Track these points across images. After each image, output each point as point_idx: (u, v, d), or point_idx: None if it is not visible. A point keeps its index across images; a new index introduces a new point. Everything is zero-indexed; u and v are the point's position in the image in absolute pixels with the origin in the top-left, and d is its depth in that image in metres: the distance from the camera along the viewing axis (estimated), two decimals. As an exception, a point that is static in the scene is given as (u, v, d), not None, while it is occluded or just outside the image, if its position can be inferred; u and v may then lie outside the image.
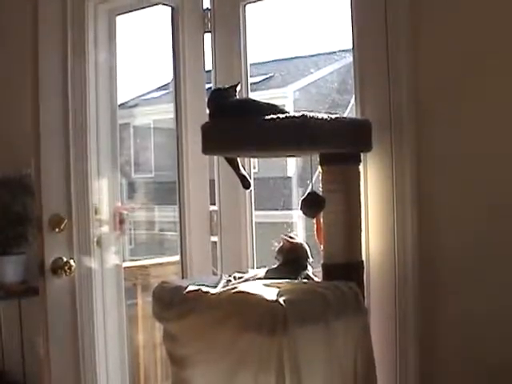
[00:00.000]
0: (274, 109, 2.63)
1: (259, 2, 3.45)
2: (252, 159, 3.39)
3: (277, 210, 4.58)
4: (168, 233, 5.48)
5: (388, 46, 2.85)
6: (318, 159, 2.78)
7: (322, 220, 2.79)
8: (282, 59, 5.58)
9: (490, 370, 2.62)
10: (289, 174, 4.89)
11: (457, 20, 2.71)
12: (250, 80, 3.49)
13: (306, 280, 2.77)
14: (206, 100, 2.84)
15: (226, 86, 2.80)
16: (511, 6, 2.60)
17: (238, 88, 2.80)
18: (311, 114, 2.54)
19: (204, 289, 2.60)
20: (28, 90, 2.99)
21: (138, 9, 3.84)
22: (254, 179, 3.38)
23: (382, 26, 2.87)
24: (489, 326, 2.65)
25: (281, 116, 2.54)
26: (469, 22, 2.68)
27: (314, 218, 2.82)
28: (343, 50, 4.03)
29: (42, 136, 2.98)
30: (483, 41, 2.65)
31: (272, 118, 2.54)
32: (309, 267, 2.84)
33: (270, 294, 2.42)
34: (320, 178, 2.78)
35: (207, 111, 2.78)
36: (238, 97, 2.81)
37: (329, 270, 2.75)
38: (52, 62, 3.04)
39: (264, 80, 5.36)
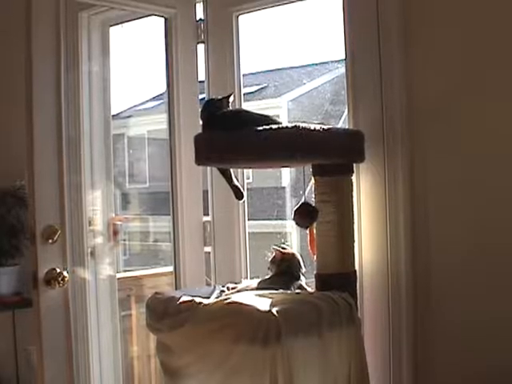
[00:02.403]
0: (267, 120, 2.63)
1: (252, 13, 3.46)
2: (246, 169, 3.40)
3: (270, 220, 4.58)
4: (162, 243, 5.47)
5: (381, 56, 2.86)
6: (311, 170, 2.78)
7: (315, 230, 2.79)
8: (276, 69, 5.60)
9: (484, 378, 2.62)
10: (283, 184, 4.88)
11: (450, 32, 2.72)
12: (245, 90, 3.50)
13: (299, 290, 2.77)
14: (200, 111, 2.84)
15: (219, 97, 2.80)
16: (504, 23, 2.61)
17: (231, 99, 2.80)
18: (304, 125, 2.55)
19: (197, 300, 2.60)
20: (21, 101, 2.98)
21: (131, 20, 3.85)
22: (248, 189, 3.39)
23: (374, 36, 2.88)
24: (483, 334, 2.65)
25: (273, 127, 2.55)
26: (462, 34, 2.70)
27: (307, 228, 2.82)
28: (336, 61, 4.03)
29: (36, 147, 2.97)
30: (478, 53, 2.67)
31: (265, 129, 2.54)
32: (302, 277, 2.84)
33: (263, 304, 2.42)
34: (313, 188, 2.79)
35: (200, 122, 2.78)
36: (230, 108, 2.81)
37: (322, 281, 2.75)
38: (45, 73, 3.03)
39: (258, 90, 5.37)
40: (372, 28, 2.88)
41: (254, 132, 2.56)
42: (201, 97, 3.47)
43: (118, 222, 4.08)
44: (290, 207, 4.40)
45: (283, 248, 2.89)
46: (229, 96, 2.79)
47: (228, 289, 2.87)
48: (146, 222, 5.95)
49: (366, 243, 2.90)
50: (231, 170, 2.89)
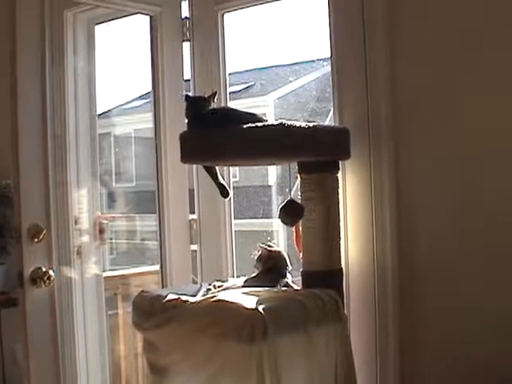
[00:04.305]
0: (253, 117, 2.63)
1: (238, 11, 3.45)
2: (232, 168, 3.39)
3: (257, 218, 4.58)
4: (149, 242, 5.46)
5: (366, 54, 2.87)
6: (297, 167, 2.78)
7: (301, 228, 2.79)
8: (262, 68, 5.60)
9: (470, 371, 2.63)
10: (269, 183, 4.89)
11: (435, 29, 2.73)
12: (231, 89, 3.49)
13: (285, 288, 2.77)
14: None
15: (205, 95, 2.80)
16: (486, 24, 2.63)
17: (216, 97, 2.80)
18: (289, 123, 2.55)
19: (184, 297, 2.60)
20: (6, 100, 2.97)
21: (116, 18, 3.84)
22: (235, 188, 3.39)
23: (360, 34, 2.89)
24: (467, 329, 2.66)
25: (259, 124, 2.55)
26: (448, 31, 2.71)
27: (293, 226, 2.82)
28: (322, 59, 4.04)
29: (21, 146, 2.96)
30: (463, 49, 2.67)
31: (250, 127, 2.54)
32: (288, 275, 2.84)
33: (250, 302, 2.42)
34: (299, 186, 2.79)
35: (186, 120, 2.78)
36: (215, 105, 2.81)
37: (308, 278, 2.75)
38: (30, 72, 3.02)
39: (244, 88, 5.37)
40: (357, 26, 2.89)
41: (239, 130, 2.56)
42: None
43: (104, 221, 4.07)
44: (277, 205, 4.41)
45: (269, 246, 2.89)
46: (214, 94, 2.79)
47: (214, 287, 2.87)
48: (132, 220, 5.94)
49: (352, 240, 2.91)
50: (217, 168, 2.89)
